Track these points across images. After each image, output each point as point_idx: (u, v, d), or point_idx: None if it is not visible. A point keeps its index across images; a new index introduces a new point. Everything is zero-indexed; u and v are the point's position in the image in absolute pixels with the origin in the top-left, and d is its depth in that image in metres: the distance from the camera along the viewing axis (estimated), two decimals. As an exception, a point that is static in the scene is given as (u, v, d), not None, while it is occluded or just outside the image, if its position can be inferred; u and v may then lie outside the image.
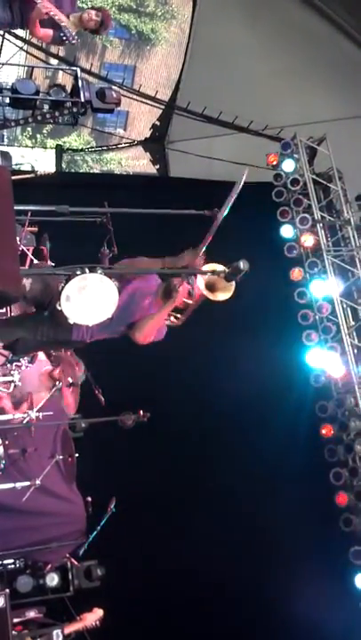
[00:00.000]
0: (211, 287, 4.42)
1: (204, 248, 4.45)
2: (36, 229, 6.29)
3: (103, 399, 6.16)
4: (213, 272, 4.23)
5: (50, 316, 4.49)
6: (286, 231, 9.31)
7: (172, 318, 4.86)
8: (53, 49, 10.27)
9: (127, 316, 4.60)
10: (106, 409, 6.19)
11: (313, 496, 8.54)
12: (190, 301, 4.68)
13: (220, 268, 4.29)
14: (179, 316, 4.83)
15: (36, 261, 5.98)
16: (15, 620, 5.37)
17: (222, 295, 4.42)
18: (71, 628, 5.89)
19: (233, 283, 4.33)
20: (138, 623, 7.04)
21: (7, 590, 4.92)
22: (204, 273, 4.31)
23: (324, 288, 8.98)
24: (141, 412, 6.22)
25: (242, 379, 8.50)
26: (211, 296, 4.42)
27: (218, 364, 8.69)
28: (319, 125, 9.34)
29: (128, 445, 7.01)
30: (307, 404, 8.92)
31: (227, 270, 4.13)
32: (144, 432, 6.38)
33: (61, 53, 11.41)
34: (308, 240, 9.06)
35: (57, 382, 5.68)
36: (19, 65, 10.86)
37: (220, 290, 4.42)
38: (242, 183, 4.10)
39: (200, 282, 4.40)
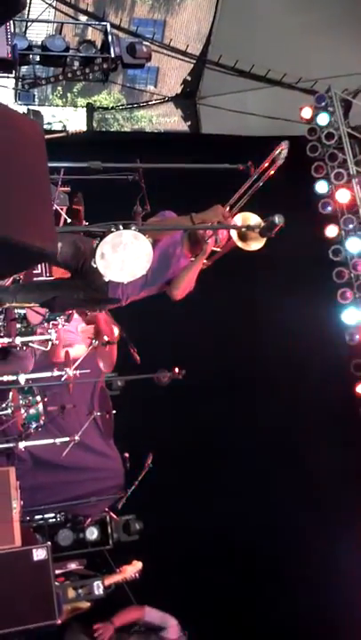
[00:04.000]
0: (243, 237, 4.38)
1: (236, 203, 4.41)
2: (68, 189, 6.27)
3: (138, 357, 6.20)
4: (248, 227, 4.19)
5: (85, 276, 4.50)
6: (321, 187, 9.14)
7: None
8: (82, 4, 10.15)
9: (163, 271, 4.58)
10: (141, 367, 6.23)
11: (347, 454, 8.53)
12: (218, 249, 4.66)
13: (253, 220, 4.23)
14: (205, 261, 4.82)
15: (69, 221, 5.97)
16: (57, 572, 5.52)
17: (255, 245, 4.36)
18: (111, 580, 6.05)
19: None
20: (176, 576, 7.17)
21: (49, 543, 5.07)
22: (239, 228, 4.27)
23: (359, 245, 8.86)
24: (177, 369, 6.27)
25: (275, 336, 8.48)
26: (243, 246, 4.38)
27: (251, 322, 8.66)
28: (354, 77, 9.10)
29: (164, 402, 7.07)
30: (342, 362, 8.87)
31: (261, 225, 4.07)
32: (180, 389, 6.43)
33: (90, 9, 11.26)
34: (343, 196, 8.89)
35: (93, 340, 5.72)
36: (47, 21, 10.73)
37: (252, 239, 4.36)
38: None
39: (233, 232, 4.36)
